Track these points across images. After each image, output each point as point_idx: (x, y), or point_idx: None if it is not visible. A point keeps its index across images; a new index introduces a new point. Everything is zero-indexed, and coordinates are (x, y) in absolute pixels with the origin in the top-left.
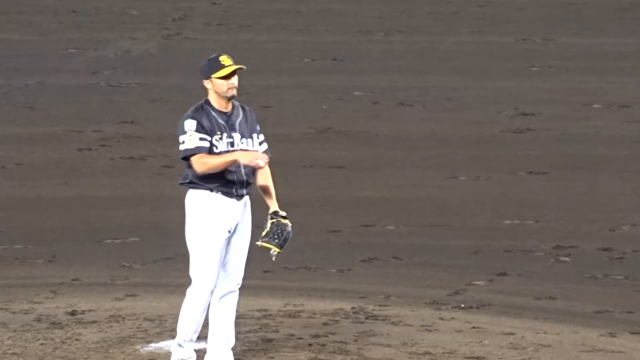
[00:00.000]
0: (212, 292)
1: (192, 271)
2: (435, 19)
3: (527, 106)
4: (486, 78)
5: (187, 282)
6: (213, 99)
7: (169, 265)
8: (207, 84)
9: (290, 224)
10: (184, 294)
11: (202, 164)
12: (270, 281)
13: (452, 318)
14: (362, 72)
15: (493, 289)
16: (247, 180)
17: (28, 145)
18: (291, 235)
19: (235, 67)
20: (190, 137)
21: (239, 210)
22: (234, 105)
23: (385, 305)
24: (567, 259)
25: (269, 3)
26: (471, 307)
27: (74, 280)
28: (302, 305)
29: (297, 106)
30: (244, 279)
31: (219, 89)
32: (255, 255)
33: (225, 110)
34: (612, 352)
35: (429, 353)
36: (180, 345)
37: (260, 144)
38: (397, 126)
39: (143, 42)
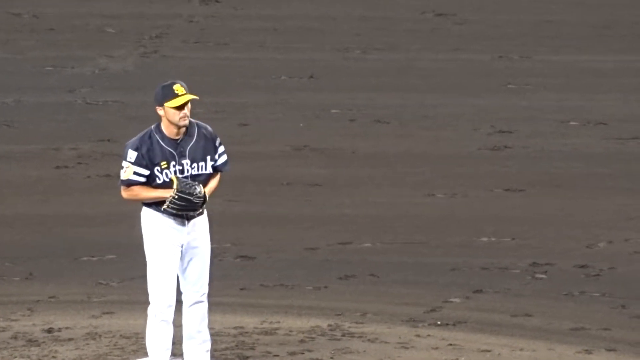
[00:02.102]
0: (170, 306)
1: (148, 287)
2: (413, 37)
3: (505, 123)
4: (463, 95)
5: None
6: (165, 125)
7: (146, 282)
8: (159, 110)
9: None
10: None
11: (129, 195)
12: (247, 298)
13: (429, 335)
14: (339, 90)
15: (469, 306)
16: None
17: (5, 163)
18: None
19: (188, 97)
20: (126, 169)
21: (190, 226)
22: (189, 126)
23: (362, 323)
24: (543, 276)
25: (246, 21)
26: (448, 324)
27: (50, 297)
28: (279, 322)
29: (274, 124)
30: (220, 295)
31: (171, 117)
32: (231, 273)
33: (175, 138)
34: None
35: None
36: None
37: (219, 156)
38: (374, 143)
39: (120, 60)
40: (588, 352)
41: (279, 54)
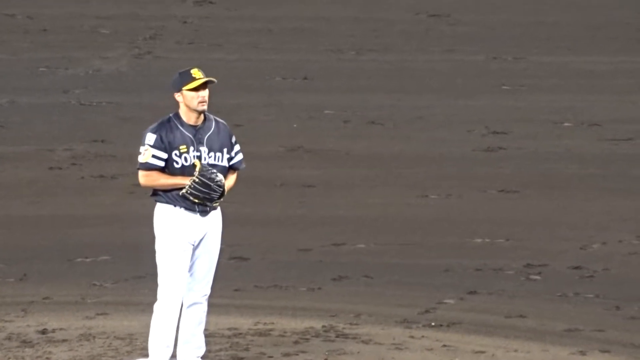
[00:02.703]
0: (177, 305)
1: (158, 283)
2: (407, 38)
3: (498, 125)
4: (457, 96)
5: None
6: (183, 112)
7: (140, 283)
8: (177, 96)
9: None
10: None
11: (147, 180)
12: (241, 300)
13: (423, 336)
14: (333, 91)
15: (464, 308)
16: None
17: None
18: (215, 181)
19: (205, 79)
20: (145, 152)
21: (204, 224)
22: (207, 118)
23: (356, 324)
24: (537, 277)
25: (240, 22)
26: (442, 325)
27: (44, 298)
28: (273, 323)
29: (268, 125)
30: (214, 296)
31: (189, 102)
32: (225, 274)
33: (194, 124)
34: None
35: None
36: None
37: (235, 154)
38: (368, 145)
39: (114, 61)
40: (582, 353)
41: (273, 55)
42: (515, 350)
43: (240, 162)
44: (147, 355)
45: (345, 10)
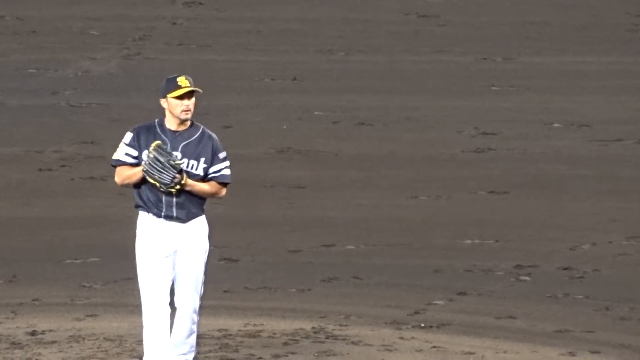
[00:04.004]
0: (159, 315)
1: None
2: (396, 39)
3: (488, 125)
4: (446, 97)
5: None
6: (167, 117)
7: (129, 285)
8: (163, 102)
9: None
10: None
11: (117, 175)
12: (230, 301)
13: (413, 337)
14: (322, 92)
15: (453, 309)
16: (178, 202)
17: None
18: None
19: (190, 88)
20: (119, 148)
21: (177, 234)
22: (194, 127)
23: (346, 325)
24: (527, 278)
25: (229, 23)
26: (431, 326)
27: (34, 300)
28: (262, 325)
29: (257, 126)
30: (204, 298)
31: (173, 109)
32: (214, 275)
33: (175, 130)
34: None
35: None
36: None
37: (218, 168)
38: (357, 146)
39: (103, 62)
40: (572, 354)
41: (262, 56)
42: (505, 352)
43: (221, 176)
44: (136, 357)
45: (334, 11)
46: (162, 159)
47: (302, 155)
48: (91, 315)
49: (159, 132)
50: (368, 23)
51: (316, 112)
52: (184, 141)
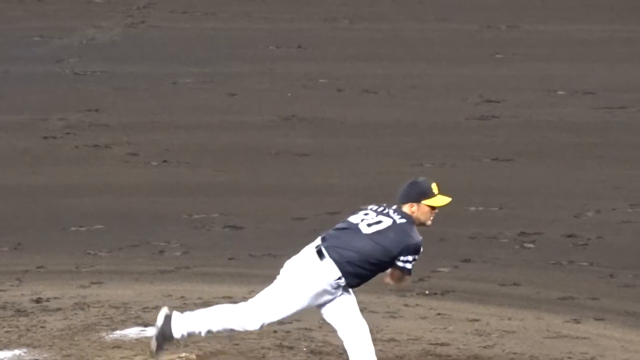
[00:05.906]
0: (247, 329)
1: (261, 305)
2: (400, 7)
3: (492, 93)
4: (451, 65)
5: (152, 268)
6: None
7: (134, 252)
8: (411, 207)
9: None
10: (148, 281)
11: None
12: (235, 268)
13: (417, 305)
14: (326, 60)
15: (458, 276)
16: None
17: None
18: None
19: (449, 200)
20: (414, 262)
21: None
22: None
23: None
24: (531, 245)
25: None
26: (436, 293)
27: (39, 267)
28: None
29: (262, 94)
30: (208, 265)
31: (423, 216)
32: (219, 243)
33: None
34: (577, 338)
35: (394, 340)
36: (167, 330)
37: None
38: (361, 113)
39: (108, 30)
40: (576, 321)
41: (266, 24)
42: (509, 318)
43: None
44: (140, 324)
45: None
46: None
47: (306, 122)
48: (96, 283)
49: None
50: None
51: (321, 80)
52: None
